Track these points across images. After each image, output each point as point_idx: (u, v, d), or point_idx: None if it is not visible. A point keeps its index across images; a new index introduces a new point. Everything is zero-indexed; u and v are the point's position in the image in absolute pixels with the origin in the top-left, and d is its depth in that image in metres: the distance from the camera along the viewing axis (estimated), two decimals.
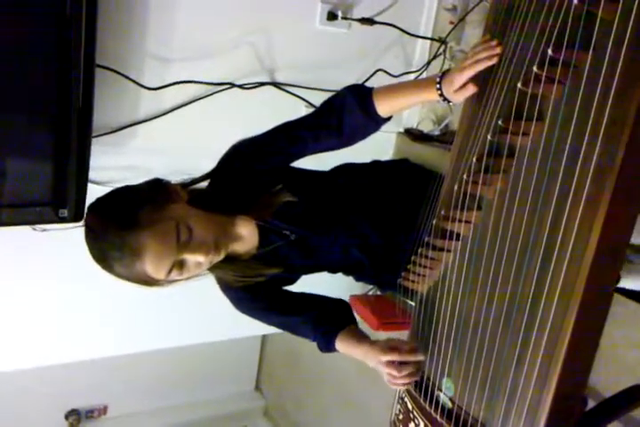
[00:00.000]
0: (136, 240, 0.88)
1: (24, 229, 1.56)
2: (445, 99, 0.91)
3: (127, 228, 0.89)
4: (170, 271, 0.92)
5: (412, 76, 1.95)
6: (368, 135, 1.06)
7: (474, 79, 0.85)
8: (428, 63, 1.96)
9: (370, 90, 1.01)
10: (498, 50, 0.81)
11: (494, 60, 0.82)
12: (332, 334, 1.07)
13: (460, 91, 0.86)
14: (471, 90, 0.85)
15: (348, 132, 1.02)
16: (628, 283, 1.19)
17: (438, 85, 0.90)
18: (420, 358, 0.98)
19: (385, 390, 1.02)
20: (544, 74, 0.73)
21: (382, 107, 0.99)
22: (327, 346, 1.08)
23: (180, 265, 0.93)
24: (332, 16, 1.79)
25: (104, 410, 3.27)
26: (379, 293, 2.17)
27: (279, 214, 1.04)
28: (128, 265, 0.90)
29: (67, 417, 3.16)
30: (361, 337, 1.07)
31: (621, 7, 0.65)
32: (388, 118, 1.02)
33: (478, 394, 0.87)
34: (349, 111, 1.00)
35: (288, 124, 1.06)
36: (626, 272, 1.18)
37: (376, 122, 1.01)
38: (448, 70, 0.90)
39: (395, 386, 1.01)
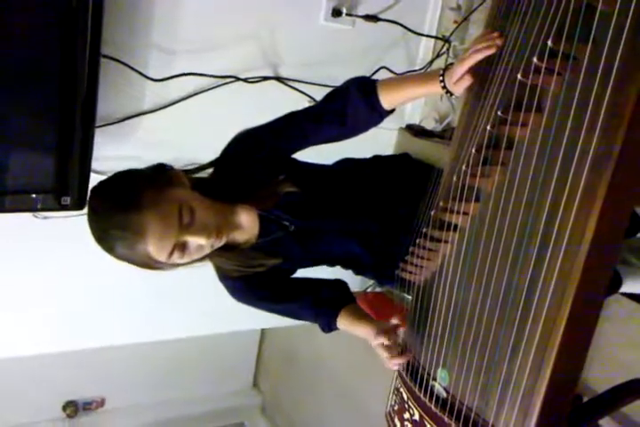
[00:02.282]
0: (138, 220, 0.88)
1: (26, 217, 1.58)
2: (448, 91, 0.91)
3: (130, 208, 0.89)
4: (171, 253, 0.93)
5: None
6: (371, 127, 1.06)
7: (474, 71, 0.85)
8: (432, 62, 1.97)
9: (374, 82, 1.01)
10: (498, 41, 0.82)
11: (493, 49, 0.82)
12: (333, 313, 1.10)
13: (459, 81, 0.87)
14: (469, 80, 0.86)
15: (350, 124, 1.03)
16: (626, 286, 1.19)
17: (441, 77, 0.91)
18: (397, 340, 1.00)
19: (382, 385, 1.04)
20: (544, 65, 0.74)
21: (386, 99, 1.00)
22: (329, 326, 1.11)
23: (182, 247, 0.94)
24: (336, 13, 1.80)
25: (101, 402, 3.28)
26: (378, 289, 2.19)
27: (280, 205, 1.05)
28: (130, 246, 0.90)
29: (64, 408, 3.17)
30: (360, 316, 1.09)
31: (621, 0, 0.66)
32: (392, 111, 1.03)
33: (473, 384, 0.87)
34: (353, 103, 1.01)
35: (292, 115, 1.07)
36: (624, 275, 1.18)
37: (379, 114, 1.02)
38: (451, 64, 0.91)
39: (389, 366, 1.03)
